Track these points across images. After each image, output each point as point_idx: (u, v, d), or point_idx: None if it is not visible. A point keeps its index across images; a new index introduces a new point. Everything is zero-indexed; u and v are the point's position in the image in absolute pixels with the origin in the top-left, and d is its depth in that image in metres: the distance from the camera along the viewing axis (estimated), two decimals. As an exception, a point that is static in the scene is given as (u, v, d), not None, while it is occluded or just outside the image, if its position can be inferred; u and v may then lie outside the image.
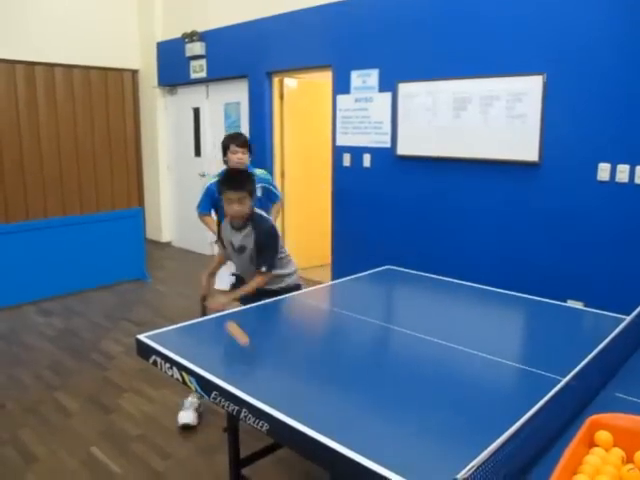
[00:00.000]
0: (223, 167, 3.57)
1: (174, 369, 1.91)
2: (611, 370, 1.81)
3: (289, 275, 2.99)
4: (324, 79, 5.50)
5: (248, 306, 2.69)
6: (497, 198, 4.15)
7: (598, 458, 1.32)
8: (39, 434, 2.92)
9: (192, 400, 2.99)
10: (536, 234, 3.98)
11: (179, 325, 2.33)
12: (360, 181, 5.07)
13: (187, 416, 2.93)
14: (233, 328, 2.23)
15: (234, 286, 3.05)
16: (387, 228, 4.90)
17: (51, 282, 5.17)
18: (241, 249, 2.89)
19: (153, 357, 2.02)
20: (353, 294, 2.93)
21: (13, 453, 2.75)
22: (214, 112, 6.87)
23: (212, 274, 3.12)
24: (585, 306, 3.28)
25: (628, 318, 2.06)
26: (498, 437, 1.21)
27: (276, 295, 2.81)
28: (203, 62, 6.65)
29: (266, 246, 2.84)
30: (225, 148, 3.56)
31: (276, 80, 5.89)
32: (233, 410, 1.66)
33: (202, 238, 6.36)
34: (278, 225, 3.96)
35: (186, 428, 2.92)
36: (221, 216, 3.32)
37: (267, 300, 2.71)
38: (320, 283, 3.64)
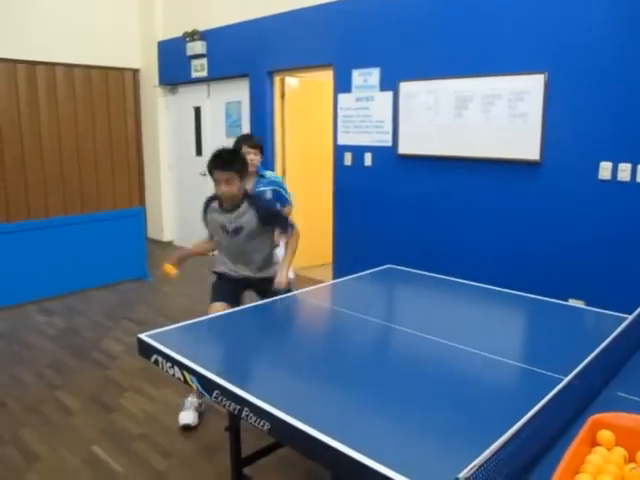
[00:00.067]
0: None
1: (175, 368, 1.91)
2: (613, 369, 1.81)
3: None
4: (325, 78, 5.49)
5: (249, 305, 2.69)
6: (498, 197, 4.15)
7: (600, 457, 1.31)
8: (40, 433, 2.92)
9: (192, 400, 2.99)
10: (537, 233, 3.97)
11: (180, 324, 2.33)
12: (361, 180, 5.07)
13: (187, 416, 2.93)
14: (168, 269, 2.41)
15: (219, 279, 3.06)
16: (388, 227, 4.89)
17: (52, 281, 5.17)
18: (236, 230, 2.87)
19: (154, 356, 2.02)
20: (354, 293, 2.93)
21: (14, 452, 2.75)
22: (215, 111, 6.87)
23: (182, 259, 3.10)
24: (586, 305, 3.28)
25: (630, 317, 2.05)
26: (500, 436, 1.21)
27: (271, 282, 2.87)
28: (204, 61, 6.64)
29: (276, 215, 3.00)
30: (237, 149, 3.56)
31: (277, 79, 5.88)
32: (234, 409, 1.66)
33: (203, 237, 6.34)
34: None
35: (187, 428, 2.92)
36: None
37: (267, 300, 2.71)
38: (321, 282, 3.64)
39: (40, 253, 5.06)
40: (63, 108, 7.06)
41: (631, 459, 1.33)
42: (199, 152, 7.13)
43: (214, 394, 1.74)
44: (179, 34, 6.78)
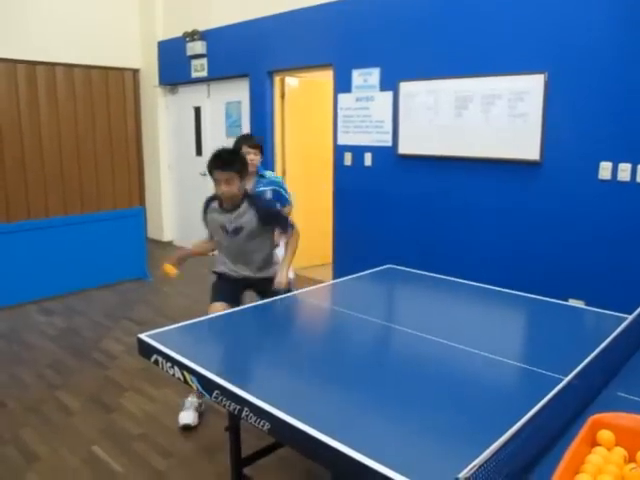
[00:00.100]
0: None
1: (175, 368, 1.91)
2: (613, 369, 1.81)
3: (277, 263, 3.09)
4: (325, 78, 5.49)
5: (249, 305, 2.69)
6: (498, 197, 4.15)
7: (600, 457, 1.32)
8: (40, 433, 2.92)
9: (192, 400, 2.99)
10: (537, 233, 3.97)
11: (180, 324, 2.33)
12: (361, 180, 5.07)
13: (187, 417, 2.93)
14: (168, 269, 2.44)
15: (220, 278, 3.05)
16: (388, 227, 4.89)
17: (52, 281, 5.17)
18: (236, 230, 2.87)
19: (154, 356, 2.02)
20: (354, 293, 2.93)
21: (14, 452, 2.75)
22: (215, 111, 6.87)
23: (182, 259, 3.10)
24: (587, 305, 3.28)
25: (630, 317, 2.05)
26: (500, 436, 1.21)
27: (271, 282, 2.89)
28: (204, 61, 6.64)
29: (276, 215, 3.01)
30: (237, 149, 3.56)
31: (277, 79, 5.88)
32: (234, 409, 1.66)
33: (203, 237, 6.35)
34: None
35: (187, 428, 2.92)
36: None
37: (267, 300, 2.71)
38: (321, 282, 3.64)
39: (40, 253, 5.06)
40: (63, 108, 7.06)
41: (631, 459, 1.33)
42: (199, 152, 7.13)
43: (214, 394, 1.74)
44: (179, 34, 6.78)
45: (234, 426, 2.24)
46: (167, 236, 7.82)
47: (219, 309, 2.70)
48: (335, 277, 5.00)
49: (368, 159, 4.99)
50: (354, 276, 3.14)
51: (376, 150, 4.91)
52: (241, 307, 2.68)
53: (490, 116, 4.09)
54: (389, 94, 4.73)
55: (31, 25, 6.55)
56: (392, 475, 1.24)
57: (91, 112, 7.34)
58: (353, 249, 5.18)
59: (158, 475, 2.56)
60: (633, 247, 3.55)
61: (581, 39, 3.62)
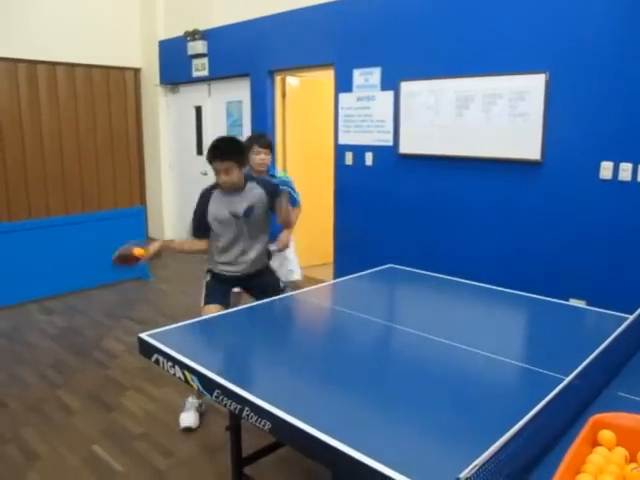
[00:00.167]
0: None
1: (176, 368, 1.91)
2: (614, 369, 1.81)
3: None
4: (326, 77, 5.49)
5: (250, 305, 2.69)
6: (499, 197, 4.14)
7: (601, 457, 1.31)
8: (41, 432, 2.92)
9: (192, 400, 2.98)
10: (538, 233, 3.97)
11: (181, 324, 2.33)
12: (362, 180, 5.07)
13: (188, 419, 2.91)
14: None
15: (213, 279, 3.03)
16: (389, 227, 4.89)
17: (53, 280, 5.17)
18: (249, 210, 2.85)
19: (155, 356, 2.02)
20: (355, 293, 2.93)
21: (15, 451, 2.75)
22: (216, 111, 6.87)
23: (158, 253, 2.95)
24: (588, 305, 3.27)
25: (631, 317, 2.05)
26: (501, 436, 1.21)
27: (267, 273, 2.95)
28: (205, 61, 6.64)
29: (279, 189, 2.96)
30: (248, 148, 3.54)
31: (278, 79, 5.88)
32: (235, 409, 1.66)
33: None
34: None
35: (188, 430, 2.92)
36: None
37: (267, 300, 2.71)
38: (322, 282, 3.65)
39: (41, 252, 5.07)
40: (64, 107, 7.06)
41: (632, 459, 1.32)
42: (200, 151, 7.12)
43: (215, 393, 1.74)
44: (180, 33, 6.78)
45: (235, 425, 2.24)
46: (168, 235, 7.82)
47: (213, 312, 2.67)
48: (336, 277, 5.00)
49: (369, 159, 4.98)
50: (355, 275, 3.13)
51: (377, 150, 4.91)
52: (242, 307, 2.68)
53: (491, 116, 4.09)
54: (390, 94, 4.73)
55: (32, 24, 6.54)
56: (392, 474, 1.24)
57: (92, 111, 7.34)
58: (354, 249, 5.18)
59: (159, 474, 2.56)
60: (634, 247, 3.54)
61: (582, 39, 3.62)
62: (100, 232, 5.42)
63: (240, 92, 6.36)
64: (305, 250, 5.16)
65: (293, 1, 5.41)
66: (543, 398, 1.40)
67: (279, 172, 3.91)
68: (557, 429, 1.43)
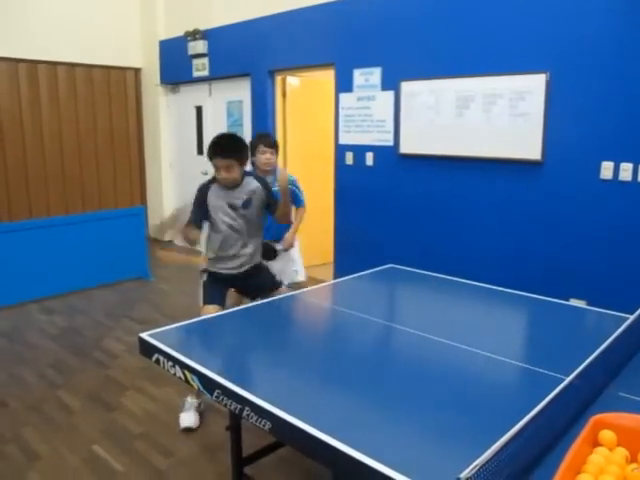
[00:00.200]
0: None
1: (176, 367, 1.91)
2: (614, 369, 1.81)
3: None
4: (327, 77, 5.49)
5: (250, 305, 2.69)
6: (500, 197, 4.14)
7: (602, 457, 1.31)
8: (41, 432, 2.92)
9: (192, 401, 2.97)
10: (539, 233, 3.97)
11: (181, 323, 2.33)
12: (362, 179, 5.06)
13: (188, 419, 2.90)
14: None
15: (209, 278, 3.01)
16: (390, 227, 4.89)
17: (54, 280, 5.17)
18: (247, 203, 2.85)
19: (155, 355, 2.02)
20: (356, 293, 2.93)
21: (16, 451, 2.75)
22: (216, 110, 6.87)
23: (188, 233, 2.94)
24: (588, 305, 3.27)
25: (631, 317, 2.05)
26: (501, 436, 1.21)
27: (263, 271, 2.97)
28: (205, 60, 6.64)
29: (275, 198, 2.96)
30: (253, 148, 3.53)
31: (279, 78, 5.88)
32: (236, 409, 1.66)
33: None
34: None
35: (188, 430, 2.91)
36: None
37: (268, 300, 2.71)
38: (322, 282, 3.64)
39: (41, 252, 5.06)
40: (65, 107, 7.07)
41: (633, 459, 1.32)
42: (200, 151, 7.12)
43: (215, 393, 1.74)
44: (180, 33, 6.78)
45: (235, 425, 2.24)
46: (168, 235, 7.82)
47: (212, 312, 2.67)
48: (336, 276, 5.00)
49: (369, 158, 4.98)
50: (355, 275, 3.13)
51: (377, 149, 4.91)
52: (242, 307, 2.68)
53: (491, 116, 4.08)
54: (390, 94, 4.73)
55: (33, 24, 6.55)
56: (393, 475, 1.24)
57: (92, 111, 7.34)
58: (354, 248, 5.18)
59: (159, 474, 2.56)
60: (634, 247, 3.54)
61: (583, 39, 3.62)
62: (100, 232, 5.43)
63: (240, 92, 6.36)
64: (305, 250, 5.13)
65: (293, 1, 5.41)
66: (543, 398, 1.40)
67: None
68: (558, 429, 1.43)
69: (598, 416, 1.40)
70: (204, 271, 3.02)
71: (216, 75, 6.59)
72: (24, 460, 2.68)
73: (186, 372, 1.86)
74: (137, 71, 7.69)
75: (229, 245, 2.92)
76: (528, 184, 3.98)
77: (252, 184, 2.90)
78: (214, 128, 6.87)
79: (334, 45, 5.14)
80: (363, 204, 5.09)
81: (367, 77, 4.90)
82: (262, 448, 2.43)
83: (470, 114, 4.20)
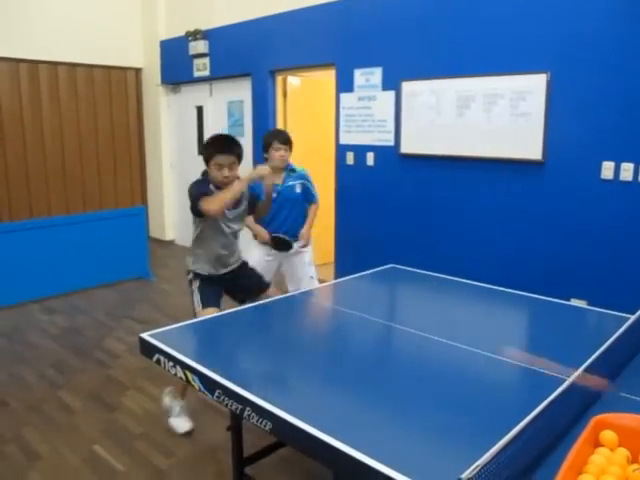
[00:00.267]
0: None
1: (177, 368, 1.91)
2: (616, 369, 1.81)
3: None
4: (327, 77, 5.49)
5: (251, 305, 2.69)
6: (501, 197, 4.14)
7: (603, 458, 1.31)
8: (42, 432, 2.92)
9: (179, 403, 2.92)
10: (539, 233, 3.97)
11: (182, 323, 2.33)
12: (363, 179, 5.06)
13: (184, 424, 2.88)
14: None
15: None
16: (390, 227, 4.89)
17: (55, 280, 5.17)
18: (238, 203, 2.84)
19: (156, 355, 2.02)
20: (357, 293, 2.93)
21: (16, 451, 2.75)
22: (217, 110, 6.87)
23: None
24: (589, 305, 3.27)
25: (632, 317, 2.05)
26: (503, 436, 1.21)
27: (250, 271, 3.01)
28: (206, 60, 6.64)
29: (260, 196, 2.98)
30: (267, 145, 3.53)
31: (279, 78, 5.88)
32: (236, 409, 1.66)
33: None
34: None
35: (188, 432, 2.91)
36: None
37: (268, 300, 2.71)
38: (323, 282, 3.64)
39: (42, 252, 5.07)
40: (65, 107, 7.07)
41: (634, 460, 1.32)
42: (201, 151, 7.12)
43: (216, 393, 1.74)
44: (181, 33, 6.78)
45: (236, 426, 2.24)
46: (169, 235, 7.82)
47: (211, 314, 2.66)
48: (337, 276, 5.00)
49: (370, 158, 4.98)
50: (356, 275, 3.13)
51: (378, 149, 4.91)
52: (243, 307, 2.68)
53: (492, 115, 4.08)
54: (391, 93, 4.73)
55: (34, 24, 6.55)
56: (393, 475, 1.24)
57: (93, 111, 7.35)
58: (355, 248, 5.18)
59: (159, 474, 2.56)
60: (635, 247, 3.54)
61: (584, 39, 3.61)
62: (101, 232, 5.44)
63: (241, 92, 6.36)
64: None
65: (294, 1, 5.41)
66: (545, 398, 1.40)
67: (297, 166, 3.87)
68: (559, 429, 1.43)
69: (599, 416, 1.40)
70: (196, 275, 2.87)
71: (217, 75, 6.59)
72: (24, 460, 2.68)
73: (187, 372, 1.86)
74: (138, 71, 7.70)
75: (221, 245, 2.87)
76: (529, 184, 3.98)
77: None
78: (215, 128, 6.87)
79: (335, 45, 5.14)
80: (364, 204, 5.08)
81: (368, 77, 4.90)
82: (263, 448, 2.43)
83: (471, 114, 4.20)
